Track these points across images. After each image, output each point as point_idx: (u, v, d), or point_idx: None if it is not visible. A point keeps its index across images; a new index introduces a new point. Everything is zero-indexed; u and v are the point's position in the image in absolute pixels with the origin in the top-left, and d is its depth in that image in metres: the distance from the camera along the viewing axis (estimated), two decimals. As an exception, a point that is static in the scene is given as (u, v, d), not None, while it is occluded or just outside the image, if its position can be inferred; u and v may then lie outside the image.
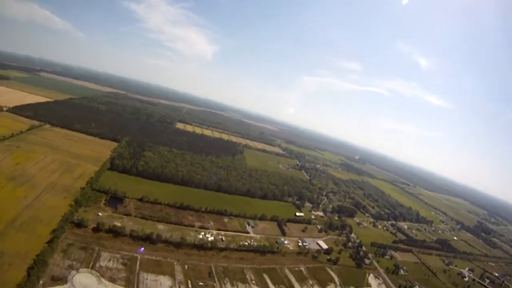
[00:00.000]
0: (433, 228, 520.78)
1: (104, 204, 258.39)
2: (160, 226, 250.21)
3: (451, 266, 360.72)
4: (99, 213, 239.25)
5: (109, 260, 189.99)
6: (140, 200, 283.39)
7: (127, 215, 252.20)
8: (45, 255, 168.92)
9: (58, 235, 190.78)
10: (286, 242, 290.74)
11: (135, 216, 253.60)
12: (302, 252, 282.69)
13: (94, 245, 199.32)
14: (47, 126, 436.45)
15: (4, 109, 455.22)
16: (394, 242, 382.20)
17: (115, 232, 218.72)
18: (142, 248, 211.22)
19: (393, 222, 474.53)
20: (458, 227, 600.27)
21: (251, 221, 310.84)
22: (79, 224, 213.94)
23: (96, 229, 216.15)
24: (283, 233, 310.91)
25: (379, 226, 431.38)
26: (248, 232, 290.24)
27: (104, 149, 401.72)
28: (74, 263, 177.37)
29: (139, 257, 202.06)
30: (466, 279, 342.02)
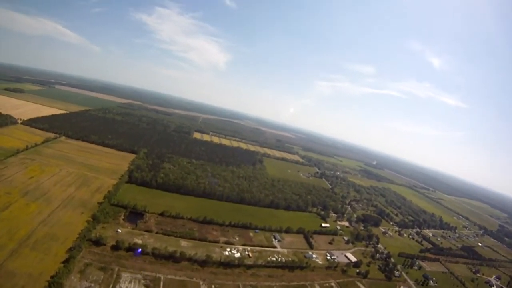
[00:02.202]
0: (457, 235, 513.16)
1: (123, 219, 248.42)
2: (184, 243, 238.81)
3: (478, 274, 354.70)
4: (119, 230, 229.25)
5: (130, 282, 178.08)
6: (161, 214, 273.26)
7: (148, 231, 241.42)
8: (61, 276, 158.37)
9: (74, 254, 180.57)
10: (314, 256, 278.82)
11: (156, 233, 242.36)
12: (331, 266, 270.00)
13: (114, 265, 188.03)
14: (63, 138, 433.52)
15: (19, 121, 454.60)
16: (421, 251, 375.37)
17: (136, 251, 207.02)
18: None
19: (418, 230, 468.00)
20: (481, 232, 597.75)
21: (277, 235, 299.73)
22: (97, 242, 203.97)
23: (115, 247, 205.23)
24: (311, 246, 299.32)
25: (405, 235, 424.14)
26: (275, 247, 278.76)
27: (122, 161, 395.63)
28: (92, 285, 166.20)
29: (162, 278, 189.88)
30: (494, 287, 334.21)
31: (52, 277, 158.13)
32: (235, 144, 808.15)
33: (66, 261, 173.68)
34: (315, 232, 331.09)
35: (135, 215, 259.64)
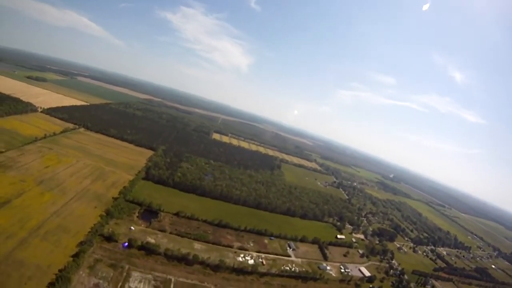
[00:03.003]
0: (471, 255, 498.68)
1: (137, 217, 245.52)
2: (197, 245, 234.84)
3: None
4: (132, 227, 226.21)
5: (140, 281, 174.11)
6: (176, 214, 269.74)
7: (161, 231, 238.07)
8: (69, 271, 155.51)
9: (85, 248, 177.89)
10: (328, 268, 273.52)
11: (170, 233, 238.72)
12: (344, 279, 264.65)
13: (124, 263, 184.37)
14: (82, 129, 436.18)
15: (39, 110, 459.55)
16: (435, 270, 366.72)
17: (148, 250, 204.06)
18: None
19: (433, 247, 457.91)
20: (495, 254, 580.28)
21: (292, 243, 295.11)
22: (109, 238, 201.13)
23: (127, 245, 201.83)
24: (325, 258, 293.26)
25: (419, 252, 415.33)
26: (289, 256, 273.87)
27: (139, 156, 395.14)
28: (101, 282, 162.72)
29: (173, 280, 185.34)
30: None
31: (60, 270, 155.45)
32: (253, 147, 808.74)
33: (76, 255, 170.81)
34: (331, 244, 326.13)
35: (149, 213, 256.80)
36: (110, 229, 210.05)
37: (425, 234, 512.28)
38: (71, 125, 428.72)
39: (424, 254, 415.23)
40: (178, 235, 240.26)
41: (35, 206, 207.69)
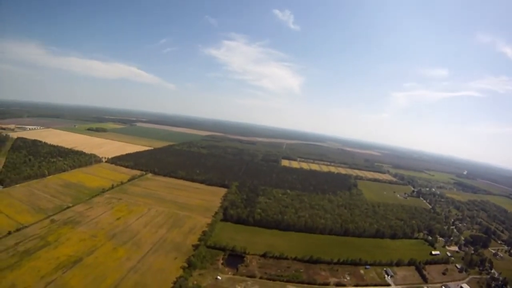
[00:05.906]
0: None
1: (222, 264, 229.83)
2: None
3: None
4: (218, 277, 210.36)
5: None
6: (263, 256, 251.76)
7: (251, 276, 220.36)
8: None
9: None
10: None
11: (260, 278, 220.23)
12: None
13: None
14: (149, 175, 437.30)
15: (103, 160, 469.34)
16: None
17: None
18: None
19: None
20: None
21: (389, 270, 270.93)
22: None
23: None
24: (425, 280, 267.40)
25: None
26: (389, 284, 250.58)
27: (213, 196, 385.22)
28: None
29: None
30: None
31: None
32: (325, 168, 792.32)
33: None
34: (427, 262, 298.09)
35: (234, 258, 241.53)
36: (195, 281, 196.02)
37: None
38: (137, 172, 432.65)
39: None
40: (269, 279, 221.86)
41: (109, 263, 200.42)
